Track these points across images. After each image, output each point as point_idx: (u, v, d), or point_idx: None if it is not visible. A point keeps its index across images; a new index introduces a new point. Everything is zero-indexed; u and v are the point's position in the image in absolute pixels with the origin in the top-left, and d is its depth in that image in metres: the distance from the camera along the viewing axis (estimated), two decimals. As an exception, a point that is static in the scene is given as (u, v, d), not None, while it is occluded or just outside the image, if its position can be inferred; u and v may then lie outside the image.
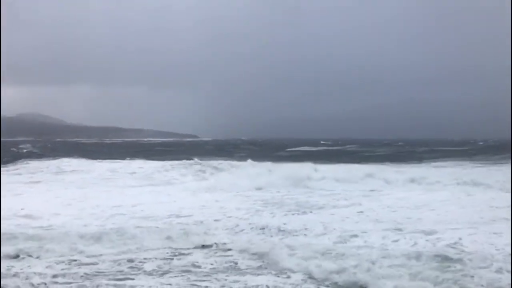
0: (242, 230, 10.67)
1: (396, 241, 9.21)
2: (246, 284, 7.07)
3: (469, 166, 28.20)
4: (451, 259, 7.67)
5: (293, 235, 9.98)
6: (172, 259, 8.47)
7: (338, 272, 7.21)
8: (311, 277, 7.22)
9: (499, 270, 7.07)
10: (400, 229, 10.26)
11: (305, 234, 10.06)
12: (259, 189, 18.42)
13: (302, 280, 7.15)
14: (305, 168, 24.22)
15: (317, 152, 59.40)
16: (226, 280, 7.28)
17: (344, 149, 68.98)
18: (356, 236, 9.68)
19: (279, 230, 10.48)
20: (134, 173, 25.00)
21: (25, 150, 51.79)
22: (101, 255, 8.61)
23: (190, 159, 28.73)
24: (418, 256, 7.78)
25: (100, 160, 31.08)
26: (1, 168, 26.57)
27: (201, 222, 11.63)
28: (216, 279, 7.35)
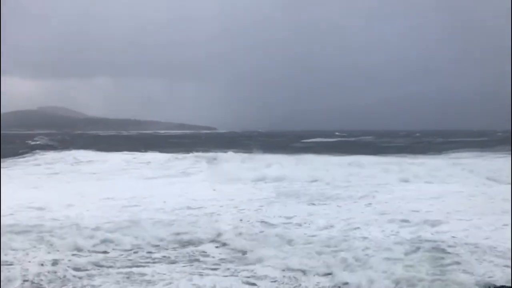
0: (249, 221, 10.79)
1: (396, 233, 9.26)
2: (255, 273, 7.25)
3: (487, 157, 27.84)
4: (448, 252, 7.71)
5: (298, 228, 10.07)
6: (182, 249, 8.70)
7: (335, 265, 7.32)
8: (308, 270, 7.31)
9: (496, 264, 7.08)
10: (406, 221, 10.32)
11: (309, 227, 10.15)
12: (271, 181, 18.41)
13: (302, 273, 7.25)
14: (319, 160, 24.33)
15: (331, 143, 59.20)
16: (235, 269, 7.48)
17: (359, 140, 68.62)
18: (358, 228, 9.76)
19: (286, 223, 10.57)
20: (148, 164, 25.37)
21: (38, 142, 52.65)
22: (112, 245, 8.86)
23: (204, 151, 28.96)
24: (415, 248, 7.86)
25: (113, 152, 31.44)
26: (17, 159, 27.33)
27: (211, 214, 11.82)
28: (225, 268, 7.58)
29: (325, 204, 13.02)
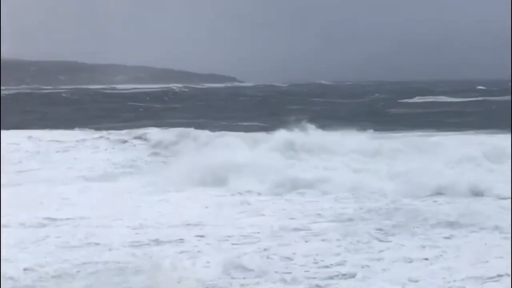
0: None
1: None
2: None
3: None
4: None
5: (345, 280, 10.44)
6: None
7: None
8: None
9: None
10: None
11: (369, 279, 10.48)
12: (341, 190, 18.48)
13: None
14: (438, 143, 24.26)
15: (462, 105, 59.09)
16: None
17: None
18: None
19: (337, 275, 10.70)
20: (69, 151, 26.93)
21: None
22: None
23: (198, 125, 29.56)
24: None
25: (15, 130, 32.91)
26: None
27: (195, 255, 11.97)
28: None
29: (427, 236, 13.14)
